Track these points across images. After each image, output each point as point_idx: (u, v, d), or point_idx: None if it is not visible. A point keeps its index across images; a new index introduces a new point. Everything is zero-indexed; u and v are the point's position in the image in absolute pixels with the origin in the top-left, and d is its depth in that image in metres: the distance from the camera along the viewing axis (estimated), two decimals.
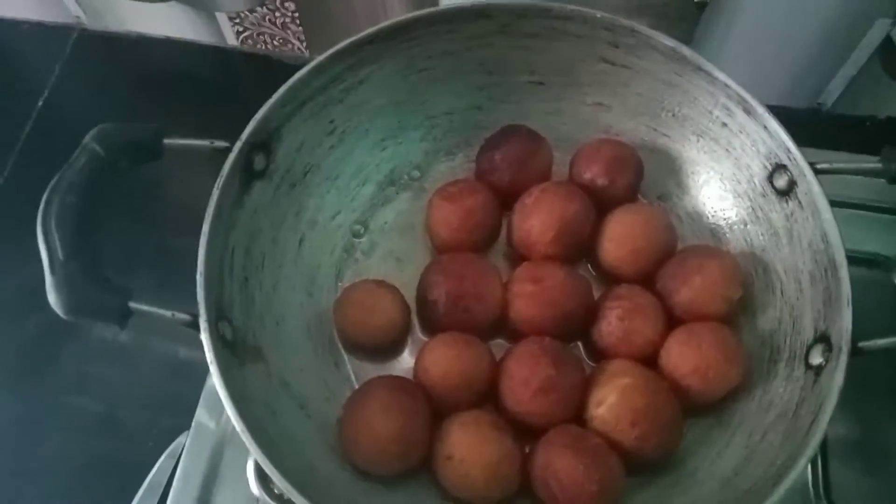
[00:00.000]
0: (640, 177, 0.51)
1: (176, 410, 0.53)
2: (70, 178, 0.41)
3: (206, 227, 0.43)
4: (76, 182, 0.42)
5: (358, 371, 0.49)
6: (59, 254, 0.40)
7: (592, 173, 0.50)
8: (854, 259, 0.41)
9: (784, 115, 0.46)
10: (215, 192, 0.43)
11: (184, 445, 0.52)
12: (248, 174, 0.46)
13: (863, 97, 0.69)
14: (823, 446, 0.52)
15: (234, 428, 0.49)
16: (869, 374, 0.49)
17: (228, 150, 0.45)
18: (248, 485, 0.50)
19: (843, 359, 0.40)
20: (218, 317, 0.42)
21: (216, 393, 0.41)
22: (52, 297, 0.39)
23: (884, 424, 0.53)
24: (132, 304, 0.41)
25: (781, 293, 0.46)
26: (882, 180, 0.58)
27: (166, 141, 0.45)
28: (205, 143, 0.45)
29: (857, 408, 0.52)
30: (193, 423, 0.52)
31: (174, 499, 0.50)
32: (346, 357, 0.50)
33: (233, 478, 0.51)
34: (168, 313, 0.41)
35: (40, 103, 0.71)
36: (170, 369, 0.59)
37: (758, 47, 0.66)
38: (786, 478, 0.38)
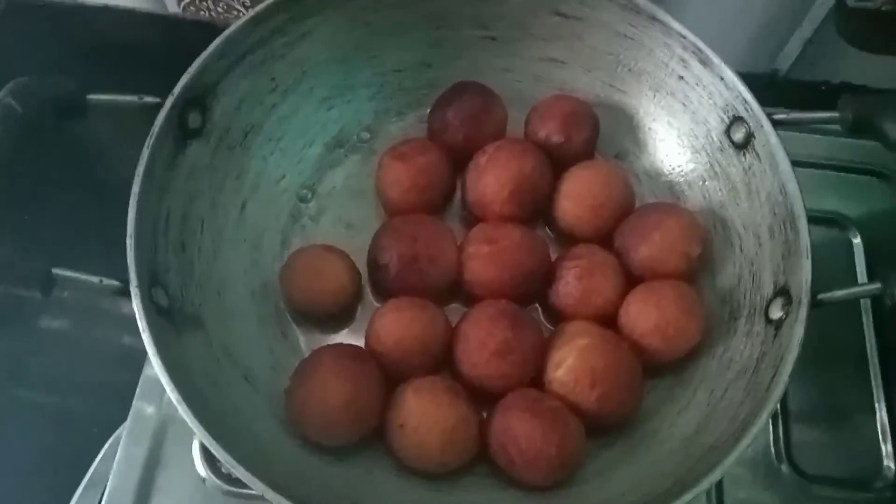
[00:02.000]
0: (597, 133, 0.49)
1: (121, 399, 0.50)
2: None
3: (136, 188, 0.40)
4: None
5: (306, 340, 0.47)
6: None
7: (548, 130, 0.48)
8: (812, 218, 0.41)
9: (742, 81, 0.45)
10: (146, 151, 0.41)
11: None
12: (182, 132, 0.43)
13: (818, 61, 0.69)
14: (784, 409, 0.52)
15: (175, 410, 0.47)
16: (827, 339, 0.49)
17: (160, 106, 0.42)
18: (193, 466, 0.48)
19: (804, 311, 0.39)
20: (151, 283, 0.40)
21: (156, 377, 0.39)
22: None
23: (842, 387, 0.53)
24: (56, 270, 0.38)
25: (740, 249, 0.46)
26: (839, 139, 0.59)
27: (91, 96, 0.42)
28: (133, 98, 0.42)
29: (816, 372, 0.52)
30: (132, 409, 0.49)
31: (113, 485, 0.48)
32: (293, 326, 0.47)
33: (177, 460, 0.48)
34: (95, 279, 0.38)
35: None
36: (114, 358, 0.57)
37: (717, 8, 0.65)
38: (748, 432, 0.37)
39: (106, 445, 0.51)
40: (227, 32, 0.44)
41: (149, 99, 0.42)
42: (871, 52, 0.67)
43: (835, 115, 0.43)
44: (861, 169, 0.58)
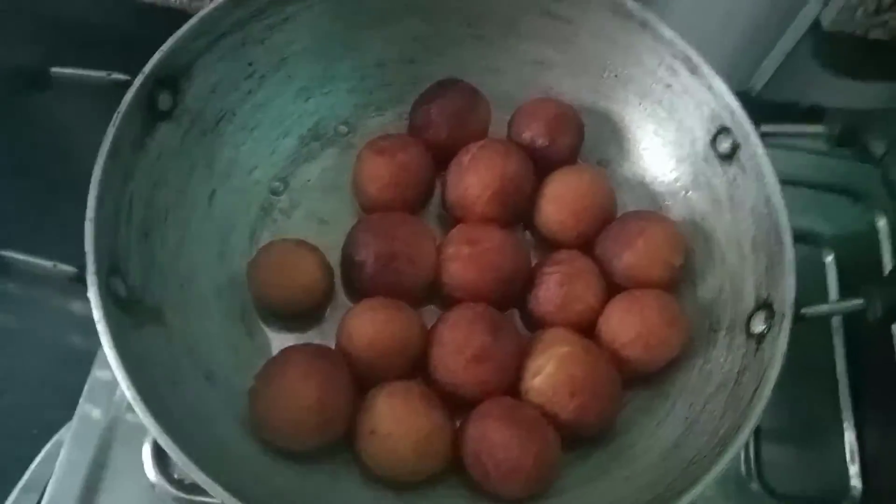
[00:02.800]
0: (581, 137, 0.49)
1: (65, 400, 0.48)
2: None
3: (98, 168, 0.37)
4: None
5: (274, 340, 0.45)
6: None
7: (532, 132, 0.47)
8: None
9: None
10: (111, 129, 0.38)
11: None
12: (151, 113, 0.41)
13: (791, 82, 0.70)
14: (756, 428, 0.51)
15: (125, 412, 0.45)
16: (798, 358, 0.49)
17: (128, 84, 0.40)
18: (142, 471, 0.45)
19: (787, 325, 0.39)
20: (110, 271, 0.37)
21: (103, 380, 0.39)
22: None
23: (812, 406, 0.53)
24: (5, 253, 0.35)
25: (723, 261, 0.45)
26: (815, 157, 0.59)
27: (54, 70, 0.39)
28: (101, 74, 0.40)
29: (787, 391, 0.51)
30: (78, 410, 0.47)
31: (55, 489, 0.45)
32: (260, 324, 0.45)
33: (125, 464, 0.45)
34: (49, 263, 0.36)
35: None
36: (59, 357, 0.53)
37: (694, 25, 0.65)
38: (730, 447, 0.36)
39: (46, 447, 0.48)
40: (204, 11, 0.42)
41: (117, 76, 0.40)
42: (845, 76, 0.68)
43: (821, 129, 0.43)
44: (836, 187, 0.58)
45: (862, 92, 0.68)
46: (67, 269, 0.36)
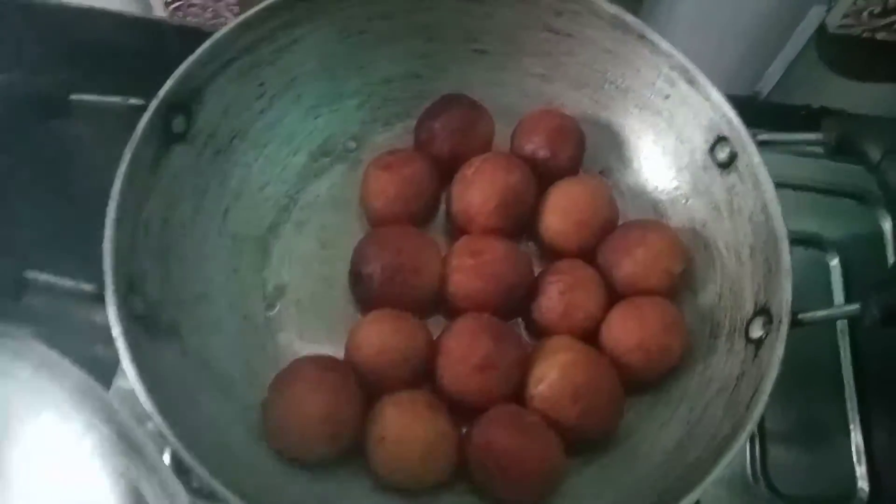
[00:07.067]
0: (583, 149, 0.50)
1: None
2: None
3: (115, 191, 0.39)
4: None
5: (286, 352, 0.46)
6: None
7: (534, 145, 0.48)
8: (790, 239, 0.41)
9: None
10: (127, 153, 0.40)
11: None
12: (166, 136, 0.43)
13: (799, 86, 0.70)
14: (761, 429, 0.52)
15: (146, 420, 0.46)
16: (805, 360, 0.49)
17: (145, 108, 0.41)
18: None
19: (784, 330, 0.39)
20: (128, 289, 0.39)
21: (125, 389, 0.39)
22: None
23: (818, 408, 0.53)
24: (29, 274, 0.37)
25: (722, 268, 0.46)
26: (819, 161, 0.59)
27: (74, 97, 0.41)
28: (117, 99, 0.42)
29: (794, 393, 0.52)
30: None
31: None
32: (272, 337, 0.46)
33: None
34: (71, 282, 0.37)
35: None
36: (82, 368, 0.54)
37: (701, 30, 0.66)
38: (728, 450, 0.37)
39: None
40: (215, 37, 0.43)
41: (134, 101, 0.42)
42: (852, 78, 0.68)
43: (819, 136, 0.44)
44: (840, 191, 0.59)
45: (870, 94, 0.68)
46: (88, 287, 0.37)
